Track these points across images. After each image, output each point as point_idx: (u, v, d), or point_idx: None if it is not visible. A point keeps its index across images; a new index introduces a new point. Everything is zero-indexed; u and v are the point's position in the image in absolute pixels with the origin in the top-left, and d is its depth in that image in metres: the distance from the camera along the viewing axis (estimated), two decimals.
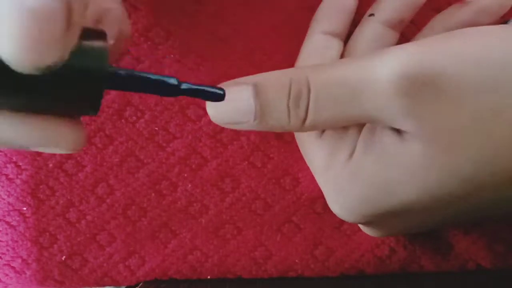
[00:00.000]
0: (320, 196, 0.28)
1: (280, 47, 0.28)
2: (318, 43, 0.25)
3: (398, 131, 0.20)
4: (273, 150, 0.28)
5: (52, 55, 0.13)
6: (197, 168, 0.28)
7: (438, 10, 0.25)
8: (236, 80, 0.21)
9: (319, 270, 0.28)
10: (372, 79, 0.19)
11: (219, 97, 0.19)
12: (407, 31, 0.26)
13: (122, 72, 0.17)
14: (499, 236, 0.27)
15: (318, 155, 0.23)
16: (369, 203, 0.21)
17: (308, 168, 0.27)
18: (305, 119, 0.20)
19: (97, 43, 0.16)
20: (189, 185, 0.28)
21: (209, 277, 0.28)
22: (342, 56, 0.25)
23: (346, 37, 0.26)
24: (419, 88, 0.18)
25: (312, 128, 0.21)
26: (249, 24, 0.28)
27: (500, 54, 0.18)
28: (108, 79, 0.17)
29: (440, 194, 0.20)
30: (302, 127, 0.21)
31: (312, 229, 0.28)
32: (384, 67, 0.19)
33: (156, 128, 0.28)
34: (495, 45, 0.19)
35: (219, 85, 0.20)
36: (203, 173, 0.28)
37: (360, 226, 0.26)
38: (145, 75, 0.18)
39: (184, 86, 0.18)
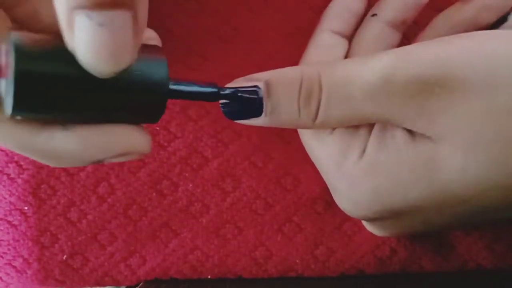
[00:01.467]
0: (321, 196, 0.28)
1: (281, 47, 0.28)
2: (326, 41, 0.25)
3: (410, 131, 0.20)
4: (274, 150, 0.28)
5: (124, 60, 0.15)
6: (198, 167, 0.28)
7: (440, 10, 0.25)
8: (248, 76, 0.21)
9: (320, 270, 0.28)
10: (384, 80, 0.19)
11: (256, 101, 0.21)
12: (409, 31, 0.26)
13: (180, 83, 0.19)
14: (500, 236, 0.27)
15: (329, 152, 0.23)
16: (380, 199, 0.21)
17: (309, 168, 0.27)
18: (316, 117, 0.21)
19: (159, 56, 0.18)
20: (190, 185, 0.28)
21: (209, 276, 0.28)
22: (346, 56, 0.25)
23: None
24: (432, 89, 0.18)
25: (323, 125, 0.21)
26: (250, 24, 0.28)
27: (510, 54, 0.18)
28: (171, 90, 0.18)
29: (451, 194, 0.20)
30: (313, 125, 0.21)
31: (312, 229, 0.28)
32: (396, 69, 0.19)
33: (157, 128, 0.28)
34: (505, 46, 0.19)
35: (230, 83, 0.21)
36: (204, 173, 0.28)
37: (364, 223, 0.26)
38: (198, 89, 0.19)
39: (223, 91, 0.20)
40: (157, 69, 0.17)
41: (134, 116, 0.18)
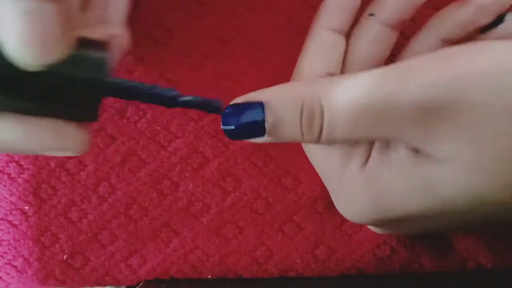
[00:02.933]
0: (321, 196, 0.28)
1: (281, 47, 0.28)
2: (325, 41, 0.24)
3: (413, 148, 0.20)
4: (275, 149, 0.28)
5: (53, 52, 0.14)
6: (198, 167, 0.28)
7: (438, 8, 0.25)
8: (246, 96, 0.21)
9: (320, 269, 0.28)
10: (387, 105, 0.19)
11: (217, 110, 0.20)
12: (407, 29, 0.26)
13: (120, 82, 0.18)
14: (500, 236, 0.27)
15: (330, 159, 0.23)
16: (379, 208, 0.21)
17: (309, 167, 0.27)
18: (319, 139, 0.21)
19: (98, 52, 0.17)
20: (191, 185, 0.28)
21: (209, 276, 0.28)
22: (345, 56, 0.25)
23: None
24: (438, 113, 0.18)
25: (327, 143, 0.21)
26: (251, 24, 0.28)
27: None
28: (107, 88, 0.18)
29: (453, 208, 0.20)
30: (317, 143, 0.21)
31: (313, 229, 0.28)
32: (399, 92, 0.19)
33: (158, 128, 0.28)
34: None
35: (232, 102, 0.21)
36: (205, 173, 0.28)
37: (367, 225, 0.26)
38: (141, 86, 0.19)
39: (183, 99, 0.19)
40: (94, 64, 0.17)
41: (68, 112, 0.18)
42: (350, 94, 0.19)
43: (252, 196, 0.28)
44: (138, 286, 0.28)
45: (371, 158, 0.22)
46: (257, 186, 0.28)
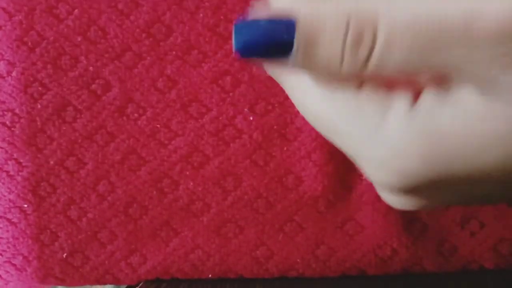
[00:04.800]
0: (323, 195, 0.27)
1: None
2: None
3: (484, 85, 0.16)
4: (276, 148, 0.28)
5: None
6: (199, 166, 0.28)
7: None
8: (274, 6, 0.17)
9: (321, 270, 0.27)
10: (467, 21, 0.15)
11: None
12: None
13: None
14: (503, 237, 0.27)
15: (360, 115, 0.18)
16: (436, 165, 0.17)
17: (311, 166, 0.27)
18: (366, 63, 0.16)
19: None
20: (191, 184, 0.28)
21: (210, 276, 0.28)
22: None
23: None
24: None
25: (375, 72, 0.17)
26: None
27: None
28: None
29: None
30: (357, 75, 0.17)
31: (314, 229, 0.27)
32: (484, 8, 0.15)
33: (158, 126, 0.27)
34: None
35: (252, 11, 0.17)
36: (205, 172, 0.28)
37: (387, 198, 0.20)
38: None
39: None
40: None
41: None
42: (417, 7, 0.15)
43: (253, 196, 0.28)
44: (138, 286, 0.27)
45: (423, 97, 0.17)
46: (257, 186, 0.27)
